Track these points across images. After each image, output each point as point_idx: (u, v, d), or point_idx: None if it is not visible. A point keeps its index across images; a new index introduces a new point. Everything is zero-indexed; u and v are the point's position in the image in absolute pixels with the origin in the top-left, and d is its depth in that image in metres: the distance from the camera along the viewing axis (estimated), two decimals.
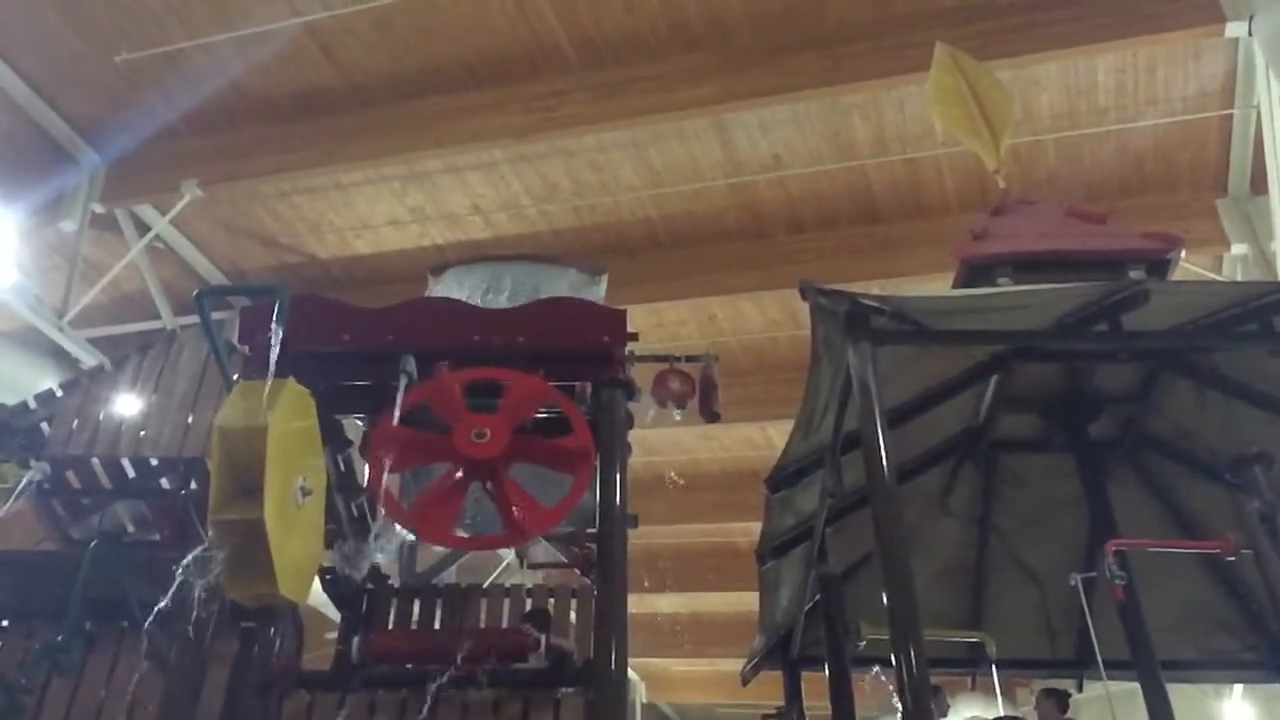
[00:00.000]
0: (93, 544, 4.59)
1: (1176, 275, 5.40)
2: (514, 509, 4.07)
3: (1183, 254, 5.38)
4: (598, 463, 4.30)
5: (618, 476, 4.32)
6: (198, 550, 3.33)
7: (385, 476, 4.04)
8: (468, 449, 4.02)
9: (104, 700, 4.72)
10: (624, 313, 4.73)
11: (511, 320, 4.70)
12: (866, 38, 8.15)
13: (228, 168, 9.60)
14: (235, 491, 3.22)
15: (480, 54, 8.73)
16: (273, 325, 3.62)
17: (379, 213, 10.48)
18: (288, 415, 3.42)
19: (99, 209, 9.89)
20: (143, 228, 10.37)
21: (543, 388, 4.44)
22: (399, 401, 4.20)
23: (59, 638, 4.25)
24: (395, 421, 4.14)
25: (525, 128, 8.87)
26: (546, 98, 8.78)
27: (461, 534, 5.08)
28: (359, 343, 4.55)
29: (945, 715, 7.62)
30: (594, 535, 4.34)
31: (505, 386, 4.38)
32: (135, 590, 4.60)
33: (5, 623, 5.03)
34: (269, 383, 3.43)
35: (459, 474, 4.11)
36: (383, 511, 4.20)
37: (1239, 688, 11.99)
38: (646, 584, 14.36)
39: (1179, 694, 5.68)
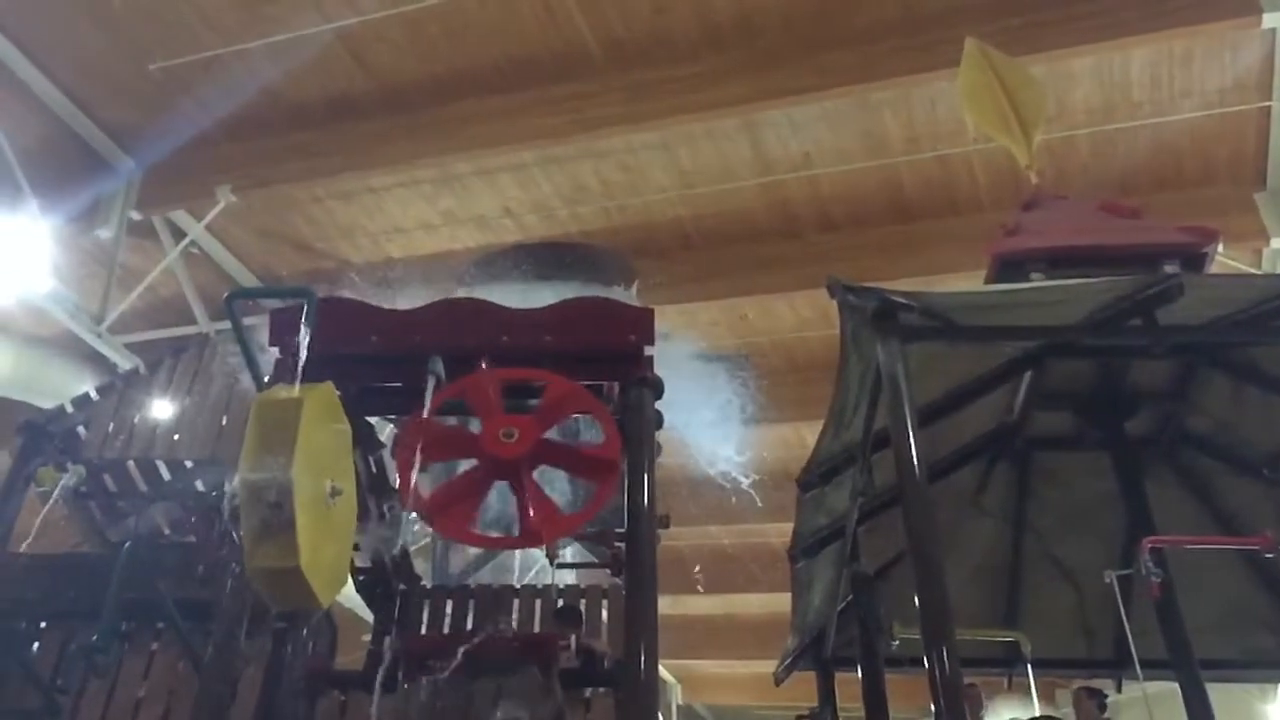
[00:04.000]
0: (126, 545, 4.64)
1: (1214, 269, 5.32)
2: (531, 513, 4.02)
3: (1219, 248, 5.30)
4: (625, 463, 4.28)
5: (646, 476, 4.29)
6: None
7: (414, 468, 3.99)
8: (494, 447, 4.01)
9: (140, 700, 4.78)
10: (651, 312, 4.72)
11: (540, 320, 4.70)
12: (897, 35, 8.07)
13: (261, 173, 9.68)
14: (267, 536, 3.06)
15: (510, 57, 8.74)
16: (302, 327, 3.61)
17: (411, 216, 10.52)
18: (314, 427, 3.27)
19: (136, 216, 9.98)
20: (179, 234, 10.47)
21: (579, 393, 4.43)
22: (430, 394, 4.20)
23: (95, 638, 4.29)
24: (426, 414, 4.12)
25: (555, 130, 8.87)
26: (576, 99, 8.76)
27: (492, 533, 5.08)
28: (388, 344, 4.58)
29: (981, 716, 7.54)
30: (623, 535, 4.33)
31: (542, 389, 4.37)
32: (170, 591, 4.66)
33: (43, 624, 5.10)
34: (294, 393, 3.29)
35: (483, 471, 4.10)
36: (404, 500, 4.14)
37: None
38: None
39: (1223, 694, 5.59)
